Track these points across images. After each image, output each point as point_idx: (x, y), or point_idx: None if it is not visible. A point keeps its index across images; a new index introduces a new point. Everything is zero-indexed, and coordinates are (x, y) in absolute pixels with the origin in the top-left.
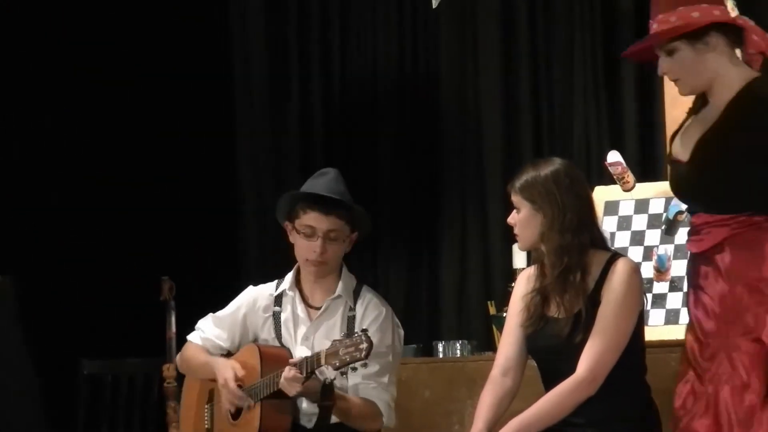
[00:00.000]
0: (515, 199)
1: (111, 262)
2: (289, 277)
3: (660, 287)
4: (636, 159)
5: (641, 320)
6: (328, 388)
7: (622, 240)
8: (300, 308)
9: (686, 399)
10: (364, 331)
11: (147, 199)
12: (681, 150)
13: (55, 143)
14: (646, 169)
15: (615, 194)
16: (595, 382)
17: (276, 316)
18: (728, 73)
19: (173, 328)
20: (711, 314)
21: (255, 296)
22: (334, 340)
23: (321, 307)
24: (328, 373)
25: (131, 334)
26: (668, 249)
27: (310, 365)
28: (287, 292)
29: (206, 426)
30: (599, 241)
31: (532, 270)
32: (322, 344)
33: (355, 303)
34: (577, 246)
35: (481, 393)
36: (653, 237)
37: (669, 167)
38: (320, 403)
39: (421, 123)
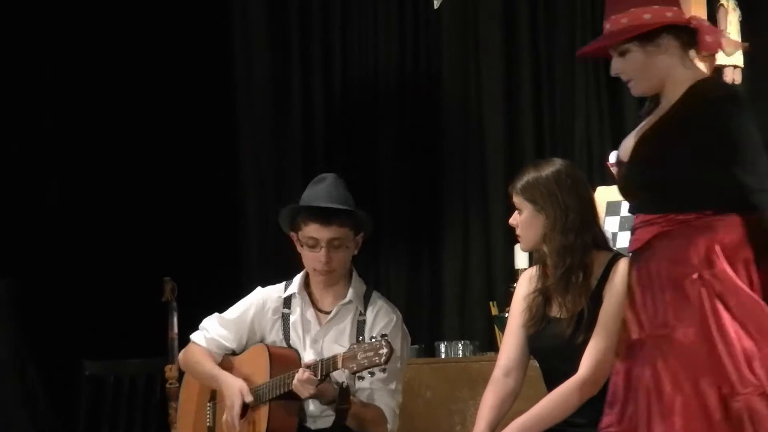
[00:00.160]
0: (517, 200)
1: (113, 263)
2: (298, 279)
3: None
4: None
5: None
6: (345, 391)
7: (623, 240)
8: (309, 312)
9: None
10: (384, 336)
11: (149, 200)
12: (624, 151)
13: (55, 143)
14: None
15: (617, 195)
16: (597, 382)
17: (285, 318)
18: (679, 75)
19: (175, 329)
20: (641, 310)
21: (264, 298)
22: (352, 344)
23: (331, 312)
24: (337, 376)
25: (133, 334)
26: None
27: (325, 368)
28: (296, 295)
29: (208, 423)
30: (601, 242)
31: (534, 270)
32: (331, 348)
33: (365, 308)
34: (580, 246)
35: (483, 393)
36: None
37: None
38: (337, 406)
39: (422, 123)
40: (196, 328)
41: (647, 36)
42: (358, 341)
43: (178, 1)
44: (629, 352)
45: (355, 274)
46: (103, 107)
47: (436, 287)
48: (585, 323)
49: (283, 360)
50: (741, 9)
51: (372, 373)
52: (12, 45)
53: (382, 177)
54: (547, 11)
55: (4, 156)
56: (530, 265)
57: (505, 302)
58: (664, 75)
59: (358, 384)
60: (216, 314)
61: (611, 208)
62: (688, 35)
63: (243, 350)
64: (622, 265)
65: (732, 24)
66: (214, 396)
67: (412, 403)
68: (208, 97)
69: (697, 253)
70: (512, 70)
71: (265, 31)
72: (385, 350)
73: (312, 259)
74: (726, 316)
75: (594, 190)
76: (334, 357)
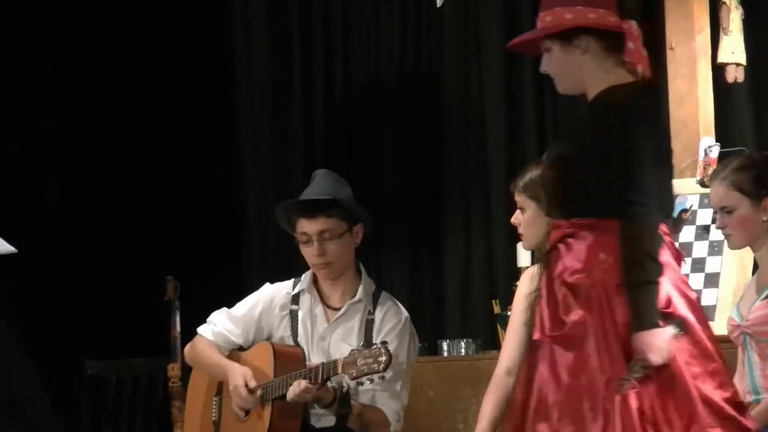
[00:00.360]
0: (519, 198)
1: (114, 262)
2: (307, 276)
3: None
4: None
5: None
6: (345, 396)
7: None
8: (318, 308)
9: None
10: (384, 343)
11: (150, 200)
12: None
13: (55, 143)
14: None
15: None
16: None
17: (293, 315)
18: (597, 78)
19: (177, 328)
20: (543, 311)
21: (272, 294)
22: (353, 350)
23: (340, 309)
24: (338, 378)
25: (135, 334)
26: None
27: (325, 372)
28: (305, 291)
29: (213, 418)
30: None
31: (536, 269)
32: (338, 345)
33: (374, 308)
34: None
35: (485, 392)
36: None
37: None
38: (337, 411)
39: (423, 123)
40: (206, 321)
41: (565, 35)
42: (359, 347)
43: (178, 1)
44: (531, 352)
45: (364, 272)
46: (103, 107)
47: (439, 286)
48: None
49: (288, 358)
50: (743, 7)
51: (371, 380)
52: (12, 45)
53: (383, 177)
54: None
55: (4, 156)
56: (532, 263)
57: (508, 301)
58: (583, 75)
59: (361, 386)
60: (225, 309)
61: None
62: (615, 39)
63: (250, 346)
64: None
65: (734, 22)
66: (220, 391)
67: (415, 401)
68: (208, 97)
69: (594, 255)
70: (514, 70)
71: (265, 31)
72: (384, 358)
73: (308, 254)
74: (619, 312)
75: None
76: (335, 362)
